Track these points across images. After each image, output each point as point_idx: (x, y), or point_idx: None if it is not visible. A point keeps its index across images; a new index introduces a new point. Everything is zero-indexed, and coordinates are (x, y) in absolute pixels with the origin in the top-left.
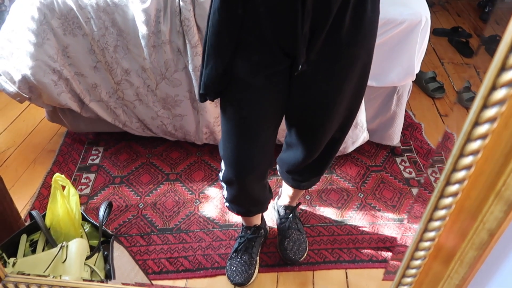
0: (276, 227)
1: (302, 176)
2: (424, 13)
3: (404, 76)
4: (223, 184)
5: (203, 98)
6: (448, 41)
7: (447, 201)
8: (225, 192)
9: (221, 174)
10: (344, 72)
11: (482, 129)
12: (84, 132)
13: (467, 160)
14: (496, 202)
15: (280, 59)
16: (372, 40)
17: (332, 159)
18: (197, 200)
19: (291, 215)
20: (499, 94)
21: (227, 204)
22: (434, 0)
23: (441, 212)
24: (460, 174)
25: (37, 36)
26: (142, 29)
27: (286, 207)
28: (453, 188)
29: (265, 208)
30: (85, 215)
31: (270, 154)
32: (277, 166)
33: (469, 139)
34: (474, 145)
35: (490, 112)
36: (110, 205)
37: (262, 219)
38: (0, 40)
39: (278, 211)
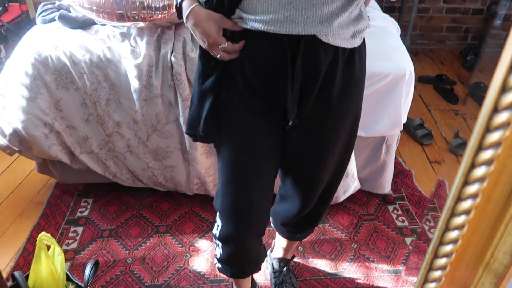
0: (268, 281)
1: (297, 228)
2: (407, 67)
3: (392, 127)
4: (218, 242)
5: (193, 137)
6: (433, 88)
7: (436, 274)
8: (218, 251)
9: (216, 231)
10: (335, 127)
11: (465, 204)
12: (74, 183)
13: (453, 234)
14: (486, 275)
15: (272, 107)
16: (360, 96)
17: (326, 209)
18: (187, 254)
19: (285, 268)
20: (479, 172)
21: (219, 265)
22: (418, 49)
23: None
24: (447, 248)
25: (30, 91)
26: (134, 83)
27: (280, 260)
28: (441, 261)
29: (259, 268)
30: (70, 275)
31: (269, 206)
32: (271, 218)
33: (453, 214)
34: (458, 220)
35: (472, 189)
36: (96, 264)
37: (253, 281)
38: None
39: (272, 264)
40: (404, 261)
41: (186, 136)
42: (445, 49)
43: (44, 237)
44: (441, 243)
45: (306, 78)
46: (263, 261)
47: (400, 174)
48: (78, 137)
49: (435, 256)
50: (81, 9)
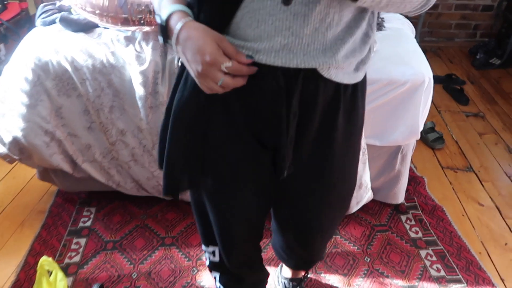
0: None
1: (300, 261)
2: (426, 74)
3: (408, 135)
4: (214, 274)
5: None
6: (443, 88)
7: None
8: (216, 275)
9: (208, 256)
10: (334, 168)
11: None
12: (76, 191)
13: None
14: None
15: (261, 152)
16: (361, 133)
17: (327, 242)
18: (194, 268)
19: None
20: None
21: None
22: (426, 47)
23: None
24: None
25: (30, 98)
26: (140, 90)
27: (292, 280)
28: None
29: (266, 283)
30: None
31: (259, 239)
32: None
33: None
34: None
35: None
36: None
37: None
38: None
39: (284, 283)
40: (419, 276)
41: None
42: (454, 46)
43: (45, 262)
44: None
45: (302, 120)
46: (267, 277)
47: (412, 181)
48: (80, 145)
49: None
50: (83, 12)
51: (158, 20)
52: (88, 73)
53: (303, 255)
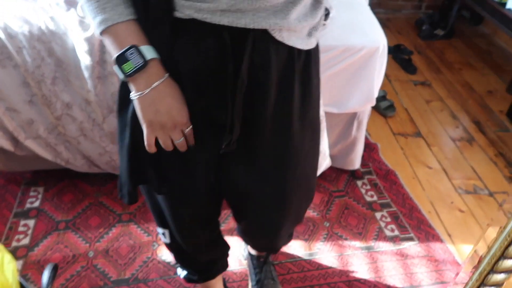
0: (245, 268)
1: (265, 245)
2: (381, 41)
3: (364, 102)
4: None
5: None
6: (392, 58)
7: None
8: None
9: (162, 237)
10: (293, 142)
11: None
12: (20, 171)
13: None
14: None
15: (211, 125)
16: (318, 107)
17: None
18: (155, 243)
19: (265, 264)
20: None
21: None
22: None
23: None
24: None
25: None
26: (85, 60)
27: (259, 256)
28: None
29: (227, 264)
30: (24, 284)
31: (217, 217)
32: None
33: None
34: None
35: None
36: (55, 268)
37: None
38: None
39: (251, 259)
40: (376, 237)
41: None
42: (401, 18)
43: None
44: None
45: (253, 88)
46: (228, 256)
47: (367, 147)
48: (21, 121)
49: None
50: None
51: (135, 55)
52: (25, 41)
53: (267, 244)
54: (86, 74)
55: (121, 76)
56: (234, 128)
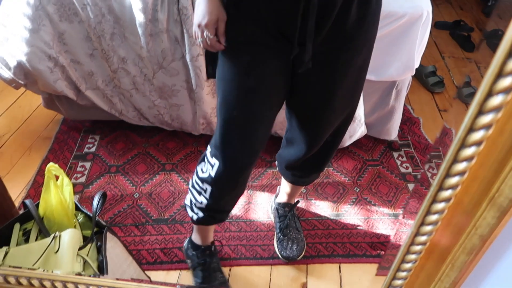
0: (272, 220)
1: (302, 172)
2: (425, 7)
3: (404, 71)
4: (207, 186)
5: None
6: (449, 34)
7: (439, 206)
8: (203, 198)
9: (211, 172)
10: (345, 67)
11: (477, 135)
12: (81, 120)
13: (460, 166)
14: (489, 208)
15: (283, 45)
16: (373, 34)
17: (333, 154)
18: None
19: (290, 213)
20: (495, 100)
21: (200, 214)
22: None
23: (438, 206)
24: (453, 180)
25: (33, 22)
26: (139, 17)
27: (285, 205)
28: (446, 193)
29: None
30: (78, 205)
31: (264, 143)
32: (276, 162)
33: (463, 145)
34: (468, 151)
35: (486, 119)
36: (104, 196)
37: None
38: None
39: (277, 209)
40: (405, 206)
41: (192, 74)
42: None
43: (53, 167)
44: (448, 174)
45: (321, 11)
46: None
47: (408, 121)
48: (83, 72)
49: (440, 188)
50: None
51: None
52: None
53: (307, 150)
54: (140, 31)
55: None
56: (306, 48)
